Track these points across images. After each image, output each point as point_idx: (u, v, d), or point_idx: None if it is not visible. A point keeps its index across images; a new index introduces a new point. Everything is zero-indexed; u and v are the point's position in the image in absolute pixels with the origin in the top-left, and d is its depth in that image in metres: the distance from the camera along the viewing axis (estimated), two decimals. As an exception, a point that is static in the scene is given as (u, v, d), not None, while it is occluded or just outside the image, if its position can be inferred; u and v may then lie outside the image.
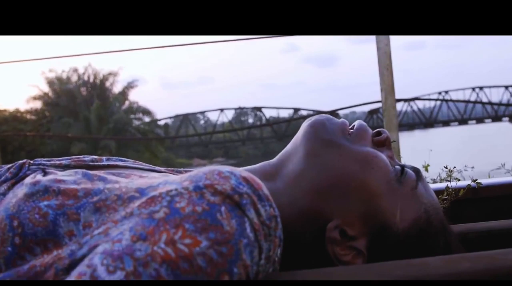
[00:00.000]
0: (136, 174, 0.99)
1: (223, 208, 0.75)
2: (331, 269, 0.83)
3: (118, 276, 0.68)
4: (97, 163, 1.06)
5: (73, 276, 0.69)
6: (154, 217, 0.74)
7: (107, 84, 37.89)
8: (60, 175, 0.94)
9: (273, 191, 0.96)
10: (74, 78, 38.05)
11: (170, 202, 0.76)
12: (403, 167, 0.99)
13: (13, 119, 34.51)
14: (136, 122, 38.24)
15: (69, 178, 0.91)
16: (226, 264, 0.73)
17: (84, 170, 0.95)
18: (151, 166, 1.12)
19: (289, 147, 1.04)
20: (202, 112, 69.11)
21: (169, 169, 1.12)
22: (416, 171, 1.00)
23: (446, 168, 1.53)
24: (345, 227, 0.94)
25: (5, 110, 35.80)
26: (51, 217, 0.82)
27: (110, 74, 37.69)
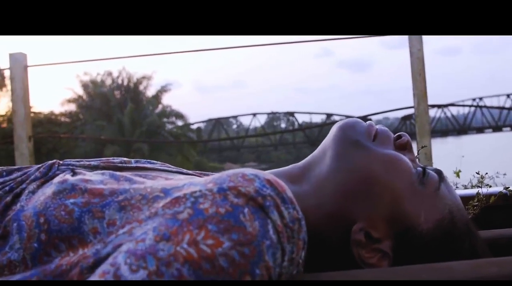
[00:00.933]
0: (163, 176, 1.00)
1: (246, 210, 0.75)
2: (355, 271, 0.83)
3: (141, 275, 0.68)
4: (125, 165, 1.08)
5: (96, 275, 0.69)
6: (177, 217, 0.75)
7: (141, 87, 38.16)
8: (88, 175, 0.95)
9: (299, 194, 0.97)
10: (108, 81, 38.44)
11: (194, 203, 0.76)
12: (424, 168, 0.99)
13: (48, 121, 34.91)
14: (169, 126, 38.44)
15: (96, 178, 0.93)
16: (248, 265, 0.72)
17: (111, 171, 0.97)
18: (178, 168, 1.13)
19: (318, 150, 1.05)
20: (235, 117, 69.40)
21: (197, 171, 1.13)
22: (439, 172, 1.01)
23: (478, 173, 1.50)
24: (370, 230, 0.94)
25: (40, 113, 36.26)
26: (76, 214, 0.83)
27: (144, 77, 37.98)
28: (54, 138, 29.84)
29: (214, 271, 0.70)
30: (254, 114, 59.46)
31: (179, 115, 38.24)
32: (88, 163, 1.06)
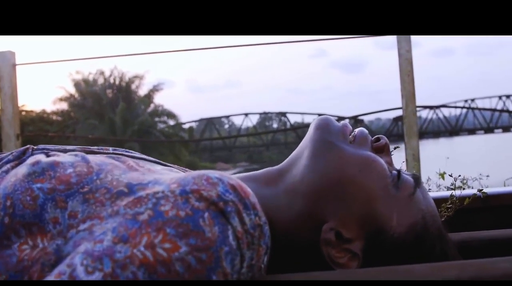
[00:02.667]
0: (134, 163, 0.98)
1: (206, 214, 0.75)
2: (315, 273, 0.83)
3: (96, 277, 0.68)
4: (102, 150, 1.07)
5: (53, 275, 0.70)
6: (137, 218, 0.75)
7: (133, 87, 38.10)
8: (61, 157, 0.94)
9: (271, 195, 0.98)
10: (100, 80, 38.34)
11: (155, 204, 0.76)
12: (399, 172, 0.98)
13: (40, 120, 34.87)
14: (161, 125, 38.40)
15: (68, 159, 0.92)
16: (205, 271, 0.73)
17: (83, 154, 0.96)
18: (157, 160, 1.13)
19: (296, 150, 1.05)
20: (227, 117, 69.36)
21: (178, 167, 1.12)
22: (415, 177, 1.00)
23: (451, 176, 1.51)
24: (341, 229, 0.93)
25: (32, 111, 36.20)
26: (40, 201, 0.83)
27: (136, 77, 37.90)
28: (45, 137, 29.75)
29: (169, 275, 0.71)
30: (246, 114, 59.49)
31: (171, 115, 38.21)
32: (64, 148, 1.05)
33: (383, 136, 1.04)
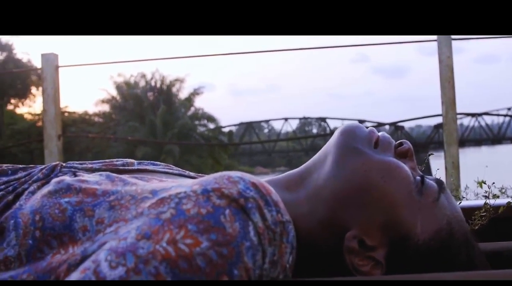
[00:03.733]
0: (158, 179, 1.02)
1: (227, 211, 0.77)
2: (337, 278, 0.82)
3: (119, 271, 0.71)
4: (127, 167, 1.10)
5: (78, 271, 0.72)
6: (160, 217, 0.77)
7: (174, 90, 38.31)
8: (86, 176, 0.98)
9: (293, 201, 0.98)
10: (142, 83, 38.63)
11: (178, 204, 0.78)
12: (423, 177, 0.97)
13: (82, 121, 35.35)
14: (201, 129, 38.55)
15: (93, 179, 0.96)
16: (226, 266, 0.74)
17: (107, 173, 0.99)
18: (181, 170, 1.15)
19: (319, 154, 1.04)
20: (267, 121, 69.21)
21: (199, 174, 1.14)
22: (439, 182, 0.99)
23: (484, 183, 1.49)
24: (364, 237, 0.93)
25: (74, 112, 36.73)
26: (69, 212, 0.86)
27: (176, 80, 38.11)
28: (87, 138, 30.15)
29: (191, 270, 0.72)
30: (286, 119, 59.35)
31: (211, 118, 38.33)
32: (90, 165, 1.10)
33: (407, 141, 1.03)
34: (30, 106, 37.17)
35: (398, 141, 1.04)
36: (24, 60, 35.81)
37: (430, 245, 0.94)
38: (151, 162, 1.17)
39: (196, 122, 38.37)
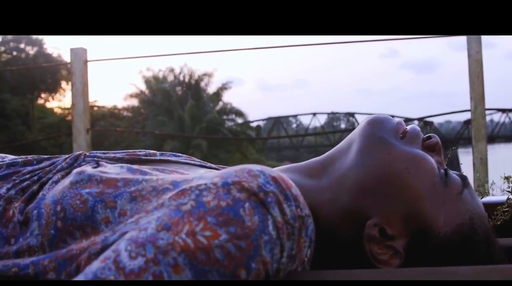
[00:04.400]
0: (182, 170, 1.03)
1: (247, 204, 0.77)
2: (355, 271, 0.83)
3: (139, 262, 0.72)
4: (150, 158, 1.11)
5: (99, 260, 0.74)
6: (181, 209, 0.78)
7: (202, 84, 38.34)
8: (108, 167, 1.00)
9: (315, 188, 0.98)
10: (170, 77, 38.74)
11: (198, 196, 0.79)
12: (447, 170, 0.97)
13: (111, 115, 35.63)
14: (229, 123, 38.59)
15: (114, 170, 0.97)
16: (244, 259, 0.75)
17: (128, 165, 1.00)
18: (202, 162, 1.16)
19: (343, 143, 1.05)
20: (295, 116, 69.20)
21: (221, 166, 1.15)
22: (463, 177, 0.99)
23: (508, 178, 1.48)
24: (385, 226, 0.93)
25: (103, 107, 37.04)
26: (90, 203, 0.88)
27: (205, 74, 38.14)
28: (116, 132, 30.35)
29: (209, 262, 0.73)
30: (314, 114, 59.18)
31: (239, 113, 38.35)
32: (113, 155, 1.11)
33: (435, 135, 1.03)
34: (60, 101, 37.58)
35: (426, 135, 1.04)
36: (54, 55, 36.17)
37: (451, 239, 0.93)
38: (173, 153, 1.18)
39: (224, 117, 38.40)
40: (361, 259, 0.93)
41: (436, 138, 1.03)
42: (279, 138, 53.85)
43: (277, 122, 57.60)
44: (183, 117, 34.86)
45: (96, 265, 0.73)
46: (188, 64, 40.96)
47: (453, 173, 0.99)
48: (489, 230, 0.99)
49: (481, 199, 1.37)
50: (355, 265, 0.90)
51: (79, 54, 4.82)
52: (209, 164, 1.16)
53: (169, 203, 0.80)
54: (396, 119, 1.05)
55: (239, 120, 39.32)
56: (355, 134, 1.03)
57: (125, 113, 38.09)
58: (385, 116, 1.04)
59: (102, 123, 31.16)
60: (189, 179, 0.87)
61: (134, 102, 38.52)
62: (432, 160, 0.98)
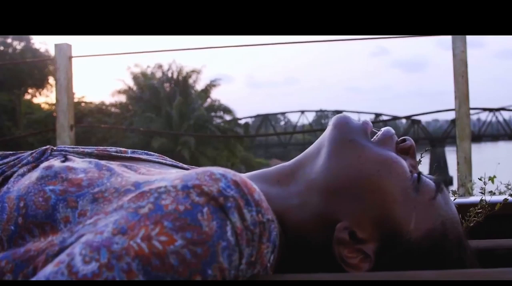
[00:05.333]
0: (147, 168, 1.01)
1: (205, 209, 0.76)
2: (319, 274, 0.82)
3: (92, 267, 0.70)
4: (120, 154, 1.10)
5: (53, 263, 0.72)
6: (138, 212, 0.76)
7: (190, 81, 38.27)
8: (76, 162, 0.98)
9: (284, 194, 0.97)
10: (158, 74, 38.67)
11: (157, 199, 0.77)
12: (420, 175, 0.96)
13: (98, 111, 35.56)
14: (217, 120, 38.58)
15: (81, 166, 0.95)
16: (200, 265, 0.73)
17: (97, 160, 0.99)
18: (175, 162, 1.15)
19: (312, 147, 1.03)
20: (283, 113, 69.21)
21: (193, 167, 1.14)
22: (438, 182, 0.97)
23: (480, 179, 1.47)
24: (355, 229, 0.92)
25: (91, 103, 36.96)
26: (52, 202, 0.86)
27: (193, 71, 38.10)
28: (103, 129, 30.29)
29: (163, 268, 0.71)
30: (302, 112, 59.32)
31: (227, 110, 38.35)
32: (82, 149, 1.09)
33: (409, 138, 1.02)
34: (47, 96, 37.52)
35: (401, 138, 1.02)
36: (42, 50, 36.08)
37: (422, 244, 0.92)
38: (145, 151, 1.17)
39: (212, 114, 38.42)
40: (332, 263, 0.91)
41: (410, 141, 1.01)
42: (267, 136, 53.93)
43: (265, 119, 57.69)
44: (171, 114, 34.83)
45: (49, 268, 0.71)
46: (176, 60, 40.96)
47: (427, 178, 0.98)
48: (462, 235, 0.98)
49: (454, 200, 1.36)
50: (326, 269, 0.89)
51: (63, 50, 4.78)
52: (180, 164, 1.15)
53: (128, 205, 0.78)
54: (363, 119, 1.03)
55: (227, 118, 39.34)
56: (323, 138, 1.01)
57: (113, 109, 38.00)
58: (349, 117, 1.02)
59: (89, 119, 31.09)
60: (151, 180, 0.86)
61: (122, 98, 38.47)
62: (404, 163, 0.96)
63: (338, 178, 0.94)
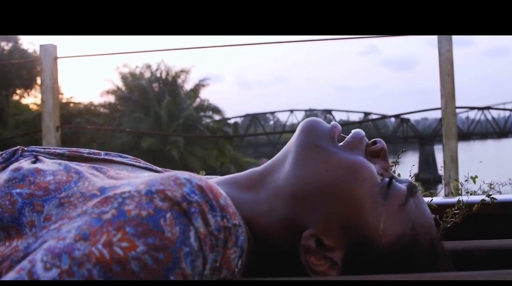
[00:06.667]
0: (116, 171, 1.00)
1: (168, 214, 0.75)
2: (285, 278, 0.81)
3: (53, 273, 0.70)
4: (93, 156, 1.09)
5: (15, 270, 0.72)
6: (101, 217, 0.76)
7: (179, 81, 38.19)
8: (45, 164, 0.97)
9: (253, 200, 0.96)
10: (147, 74, 38.52)
11: (121, 204, 0.77)
12: (391, 179, 0.94)
13: (87, 112, 35.46)
14: (206, 120, 38.53)
15: (50, 168, 0.94)
16: (162, 271, 0.73)
17: (66, 163, 0.97)
18: (149, 164, 1.14)
19: (280, 153, 1.02)
20: (272, 113, 69.19)
21: (167, 169, 1.13)
22: (410, 187, 0.95)
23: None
24: (322, 236, 0.90)
25: (80, 103, 36.85)
26: (18, 205, 0.85)
27: (182, 71, 38.00)
28: (90, 129, 30.20)
29: (124, 274, 0.71)
30: (292, 111, 59.33)
31: (216, 110, 38.29)
32: (54, 150, 1.08)
33: (380, 139, 0.99)
34: (36, 97, 37.34)
35: (372, 140, 1.00)
36: (30, 50, 35.93)
37: (391, 250, 0.91)
38: (119, 153, 1.16)
39: (201, 113, 38.34)
40: (301, 270, 0.90)
41: (381, 143, 0.99)
42: (257, 136, 53.94)
43: (254, 119, 57.67)
44: (159, 114, 34.75)
45: (11, 275, 0.71)
46: (165, 60, 40.81)
47: (401, 181, 0.96)
48: (435, 240, 0.96)
49: (431, 201, 1.35)
50: (296, 276, 0.88)
51: (48, 51, 4.77)
52: (154, 167, 1.14)
53: (92, 210, 0.78)
54: (332, 122, 1.00)
55: (217, 117, 39.28)
56: (290, 144, 1.00)
57: (101, 109, 37.89)
58: (317, 121, 0.99)
59: (78, 119, 31.00)
60: (117, 185, 0.85)
61: (111, 98, 38.34)
62: (372, 168, 0.94)
63: (304, 185, 0.93)
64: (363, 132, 0.99)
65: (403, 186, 0.95)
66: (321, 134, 0.97)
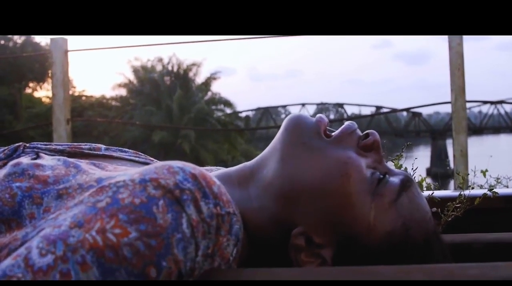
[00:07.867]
0: (114, 166, 1.02)
1: (161, 202, 0.77)
2: (278, 269, 0.81)
3: (47, 260, 0.72)
4: (93, 152, 1.10)
5: (11, 257, 0.73)
6: (96, 205, 0.78)
7: (190, 74, 38.20)
8: (44, 160, 0.99)
9: (243, 196, 0.97)
10: (159, 67, 38.60)
11: (115, 193, 0.79)
12: (385, 175, 0.93)
13: (99, 105, 35.59)
14: (217, 113, 38.51)
15: (49, 163, 0.96)
16: (154, 257, 0.74)
17: (65, 158, 1.00)
18: (149, 159, 1.15)
19: (267, 149, 1.01)
20: (284, 106, 69.12)
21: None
22: (404, 180, 0.93)
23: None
24: (311, 234, 0.91)
25: (92, 96, 37.00)
26: (18, 198, 0.87)
27: (193, 64, 38.05)
28: (102, 123, 30.31)
29: (117, 260, 0.73)
30: (303, 104, 59.31)
31: (228, 103, 38.27)
32: (54, 146, 1.10)
33: (374, 132, 0.96)
34: (48, 90, 37.48)
35: (364, 133, 0.97)
36: (43, 43, 36.06)
37: (381, 247, 0.90)
38: (119, 148, 1.17)
39: (213, 107, 38.34)
40: (293, 266, 0.91)
41: (373, 136, 0.96)
42: (268, 129, 53.85)
43: (266, 112, 57.66)
44: (171, 108, 34.77)
45: (7, 262, 0.72)
46: (176, 54, 40.94)
47: (396, 173, 0.95)
48: (430, 234, 0.94)
49: (432, 194, 1.35)
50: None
51: (59, 44, 4.78)
52: (155, 161, 1.15)
53: (87, 199, 0.80)
54: (317, 115, 0.98)
55: (228, 111, 39.28)
56: (276, 141, 0.98)
57: (113, 103, 38.00)
58: (301, 117, 0.98)
59: (90, 113, 31.11)
60: (114, 175, 0.87)
61: (123, 92, 38.44)
62: (359, 163, 0.92)
63: (292, 183, 0.92)
64: (355, 125, 0.98)
65: (396, 180, 0.93)
66: (306, 131, 0.95)
